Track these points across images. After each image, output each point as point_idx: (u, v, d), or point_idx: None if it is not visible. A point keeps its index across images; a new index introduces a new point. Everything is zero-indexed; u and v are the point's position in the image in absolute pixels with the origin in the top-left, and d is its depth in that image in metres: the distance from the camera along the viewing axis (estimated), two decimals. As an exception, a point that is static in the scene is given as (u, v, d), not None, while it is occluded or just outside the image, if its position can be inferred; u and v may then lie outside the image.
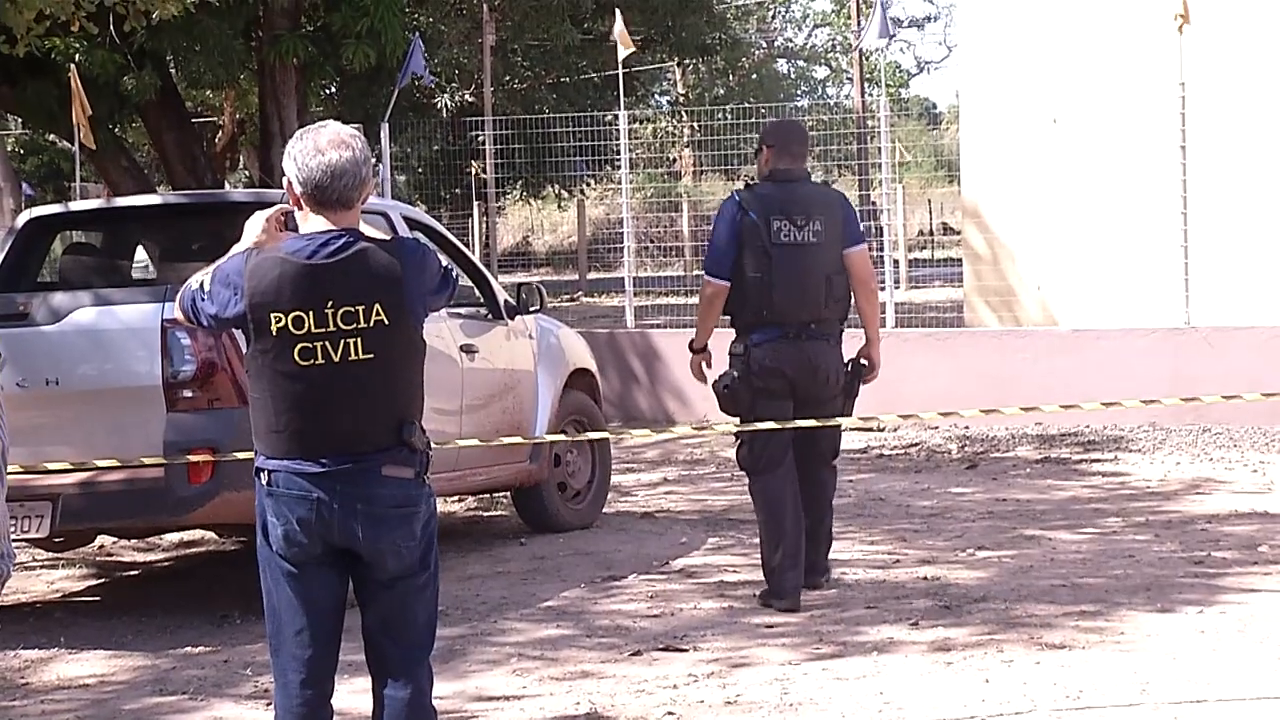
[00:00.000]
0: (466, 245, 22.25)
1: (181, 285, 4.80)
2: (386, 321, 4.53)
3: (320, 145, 4.55)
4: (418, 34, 18.04)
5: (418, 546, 4.64)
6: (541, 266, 33.71)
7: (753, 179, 8.48)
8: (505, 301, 9.93)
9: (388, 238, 4.72)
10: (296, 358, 4.51)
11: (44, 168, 38.17)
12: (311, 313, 4.49)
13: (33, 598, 9.05)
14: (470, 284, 9.95)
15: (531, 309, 10.01)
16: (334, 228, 4.56)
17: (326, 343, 4.50)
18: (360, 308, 4.51)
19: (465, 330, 9.52)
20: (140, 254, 9.83)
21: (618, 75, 17.67)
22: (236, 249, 4.67)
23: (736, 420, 8.18)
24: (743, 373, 8.02)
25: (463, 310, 9.65)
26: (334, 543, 4.59)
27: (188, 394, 7.71)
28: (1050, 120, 16.04)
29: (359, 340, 4.51)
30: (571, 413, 10.35)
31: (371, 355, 4.52)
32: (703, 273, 8.22)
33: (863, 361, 8.28)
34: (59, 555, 9.84)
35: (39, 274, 9.17)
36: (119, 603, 8.85)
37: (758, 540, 8.22)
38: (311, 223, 4.59)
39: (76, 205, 9.54)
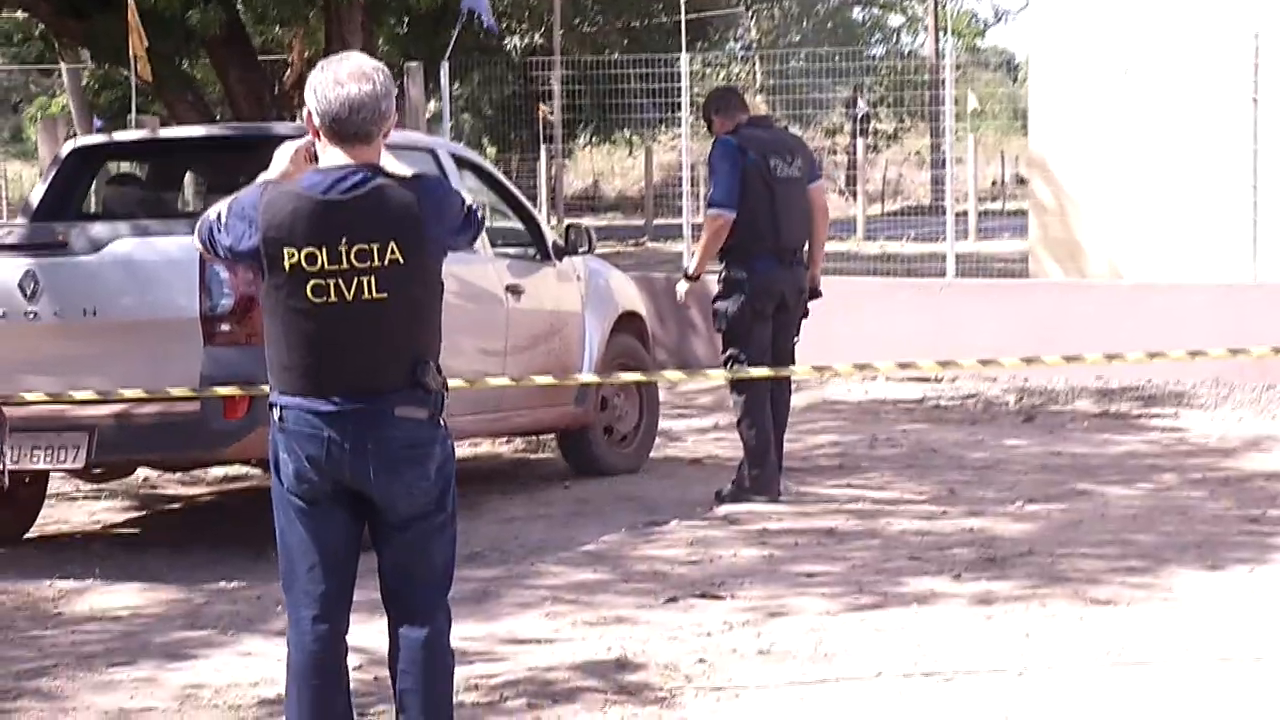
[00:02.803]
0: (534, 188, 22.15)
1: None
2: (402, 261, 4.41)
3: (340, 78, 4.44)
4: (486, -26, 17.88)
5: (432, 488, 4.55)
6: (609, 211, 33.53)
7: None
8: (554, 243, 9.84)
9: (409, 174, 4.59)
10: (309, 294, 4.41)
11: (117, 103, 38.20)
12: (325, 249, 4.39)
13: (72, 528, 9.07)
14: (520, 224, 9.88)
15: (580, 250, 9.91)
16: (352, 162, 4.45)
17: (339, 280, 4.40)
18: (375, 246, 4.39)
19: (511, 270, 9.43)
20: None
21: (687, 19, 17.50)
22: (261, 178, 4.57)
23: (741, 350, 8.91)
24: (747, 297, 8.83)
25: (510, 250, 9.57)
26: (345, 482, 4.52)
27: (225, 328, 7.67)
28: (1121, 71, 15.75)
29: (373, 279, 4.40)
30: (619, 356, 10.25)
31: (385, 295, 4.41)
32: (710, 207, 8.88)
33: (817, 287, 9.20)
34: (101, 486, 9.85)
35: (82, 205, 9.13)
36: (157, 536, 8.87)
37: (756, 469, 9.05)
38: (329, 156, 4.48)
39: (120, 136, 9.48)
